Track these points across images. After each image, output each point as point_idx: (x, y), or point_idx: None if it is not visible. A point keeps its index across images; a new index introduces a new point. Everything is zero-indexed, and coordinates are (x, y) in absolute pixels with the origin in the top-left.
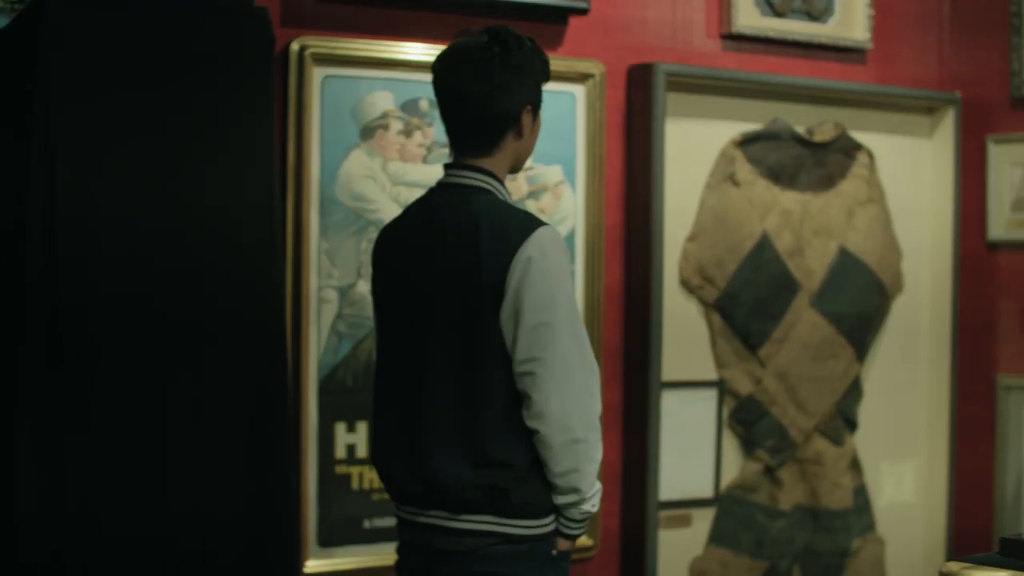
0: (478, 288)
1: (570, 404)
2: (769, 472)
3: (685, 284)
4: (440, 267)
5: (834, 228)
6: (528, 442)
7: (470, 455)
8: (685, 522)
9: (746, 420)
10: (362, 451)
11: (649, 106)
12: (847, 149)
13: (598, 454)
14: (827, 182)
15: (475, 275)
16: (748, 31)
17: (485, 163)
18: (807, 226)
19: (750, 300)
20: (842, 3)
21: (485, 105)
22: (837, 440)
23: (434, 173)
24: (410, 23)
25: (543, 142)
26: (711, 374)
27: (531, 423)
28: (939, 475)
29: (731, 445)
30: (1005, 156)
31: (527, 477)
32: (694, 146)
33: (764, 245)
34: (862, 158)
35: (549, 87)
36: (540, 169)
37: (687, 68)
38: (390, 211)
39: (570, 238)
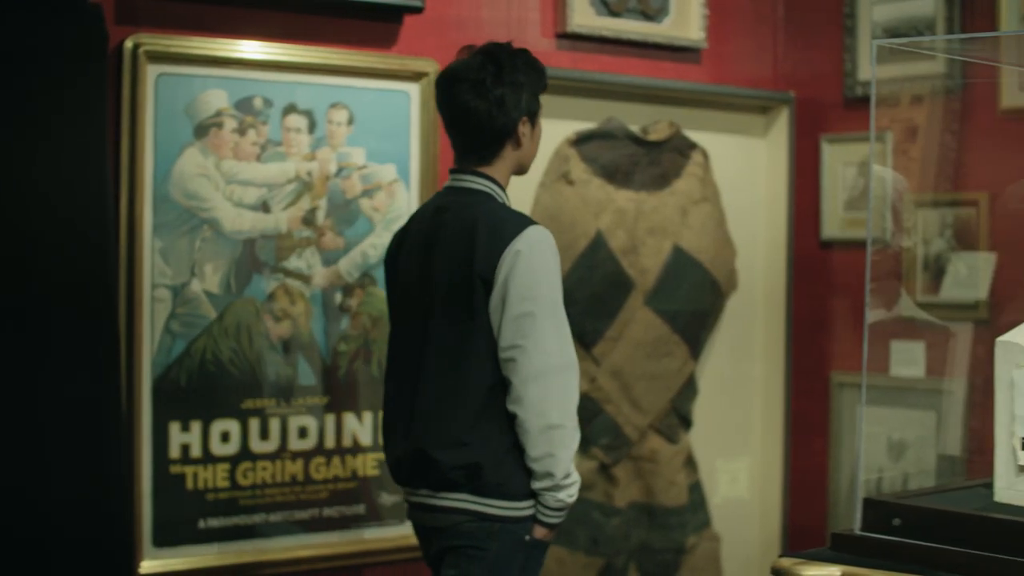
0: (470, 278)
1: (548, 391)
2: (604, 470)
3: None
4: (441, 260)
5: (668, 227)
6: (510, 426)
7: (454, 434)
8: None
9: (581, 418)
10: (197, 451)
11: None
12: (681, 148)
13: (574, 442)
14: (661, 181)
15: (468, 266)
16: (583, 30)
17: (487, 170)
18: (641, 225)
19: (584, 299)
20: (677, 3)
21: (484, 121)
22: (672, 438)
23: (268, 172)
24: (245, 21)
25: (376, 140)
26: None
27: (511, 407)
28: (773, 472)
29: None
30: (838, 156)
31: (504, 459)
32: None
33: (598, 244)
34: (696, 157)
35: (381, 85)
36: (374, 168)
37: None
38: (224, 210)
39: None
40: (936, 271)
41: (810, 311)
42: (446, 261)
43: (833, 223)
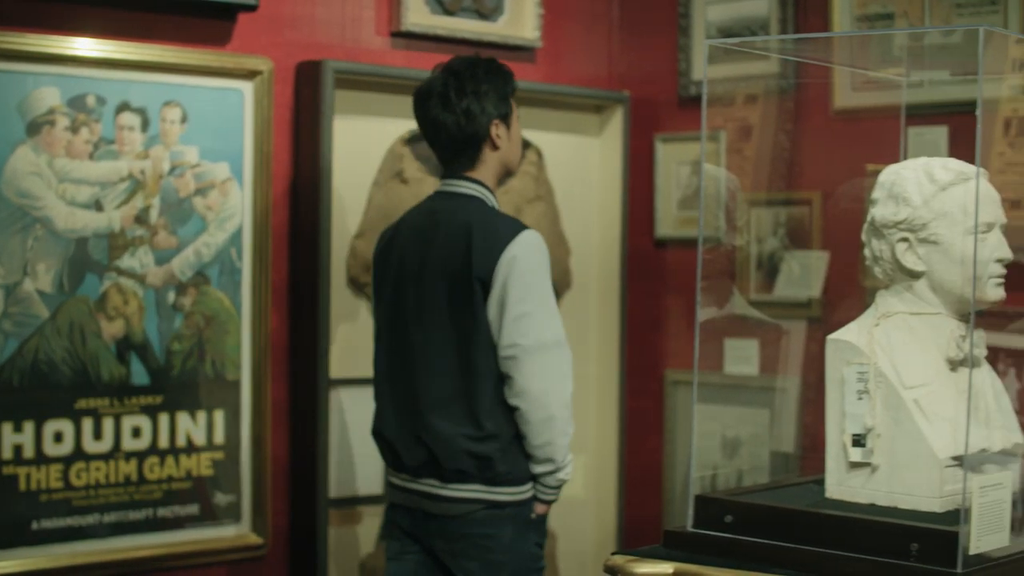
0: (469, 281)
1: (547, 384)
2: None
3: (353, 281)
4: (437, 262)
5: None
6: (510, 417)
7: (467, 427)
8: (355, 519)
9: None
10: (29, 451)
11: (317, 103)
12: None
13: (570, 428)
14: None
15: (467, 269)
16: (417, 29)
17: (474, 174)
18: None
19: None
20: (512, 2)
21: (455, 131)
22: None
23: (101, 170)
24: (78, 18)
25: (210, 138)
26: None
27: (512, 400)
28: (608, 469)
29: None
30: (672, 155)
31: (509, 448)
32: (362, 143)
33: None
34: (531, 156)
35: (215, 83)
36: (207, 166)
37: (356, 65)
38: (56, 208)
39: (237, 236)
40: (769, 269)
41: (644, 309)
42: (443, 263)
43: (667, 222)
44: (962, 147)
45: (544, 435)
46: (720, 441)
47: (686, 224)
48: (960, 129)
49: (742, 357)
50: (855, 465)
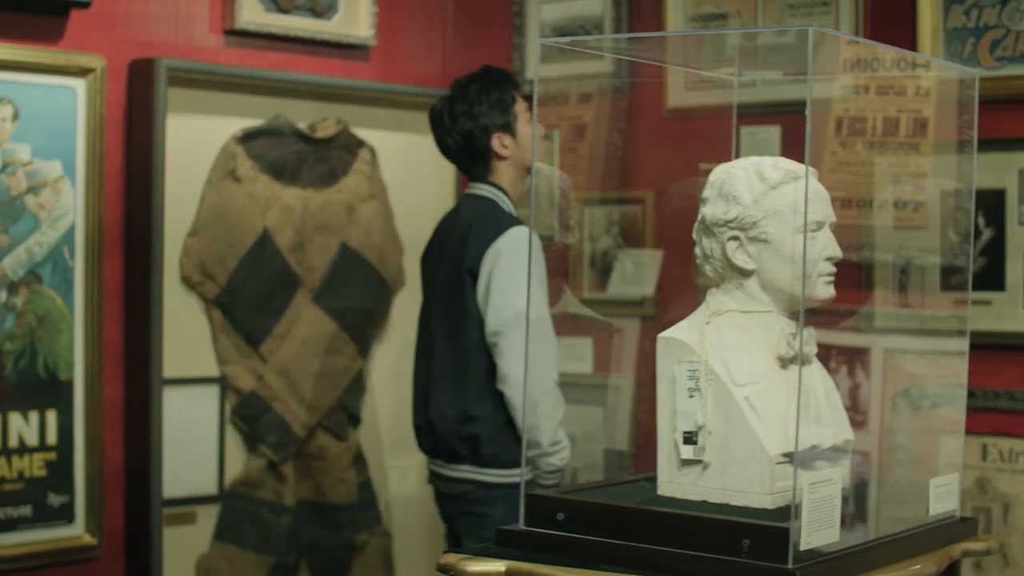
0: (461, 272)
1: (529, 371)
2: (273, 468)
3: (186, 280)
4: (446, 256)
5: (335, 224)
6: (501, 403)
7: (456, 409)
8: (190, 519)
9: (249, 416)
10: None
11: (150, 101)
12: (349, 145)
13: (556, 413)
14: (329, 178)
15: (460, 262)
16: (251, 27)
17: (493, 177)
18: (309, 222)
19: (251, 296)
20: (346, 0)
21: (459, 152)
22: (340, 435)
23: None
24: None
25: (42, 136)
26: (213, 370)
27: (499, 386)
28: None
29: (234, 441)
30: None
31: (499, 432)
32: (196, 142)
33: (265, 241)
34: (364, 154)
35: (47, 81)
36: (39, 164)
37: (189, 63)
38: None
39: (69, 235)
40: (603, 268)
41: None
42: (447, 256)
43: None
44: (794, 146)
45: (528, 419)
46: None
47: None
48: (792, 128)
49: (576, 355)
50: (687, 462)
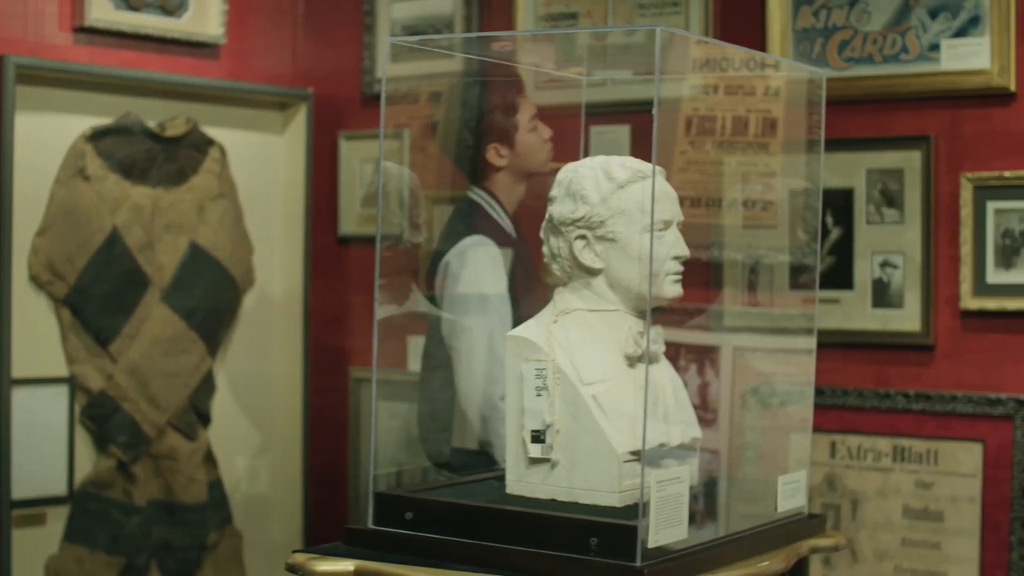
0: (432, 284)
1: (471, 385)
2: (123, 468)
3: (35, 280)
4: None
5: (185, 223)
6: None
7: (427, 424)
8: (39, 520)
9: (98, 416)
10: None
11: None
12: (199, 144)
13: (502, 429)
14: (178, 177)
15: (431, 275)
16: (101, 24)
17: (485, 183)
18: (158, 221)
19: (100, 295)
20: None
21: (457, 164)
22: (190, 435)
23: None
24: None
25: None
26: (62, 370)
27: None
28: (294, 468)
29: (84, 441)
30: (356, 152)
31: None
32: (45, 140)
33: (114, 240)
34: (214, 153)
35: None
36: None
37: (38, 61)
38: None
39: None
40: None
41: (328, 307)
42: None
43: (350, 219)
44: (644, 146)
45: (481, 435)
46: (405, 438)
47: (369, 222)
48: (642, 128)
49: None
50: (535, 461)
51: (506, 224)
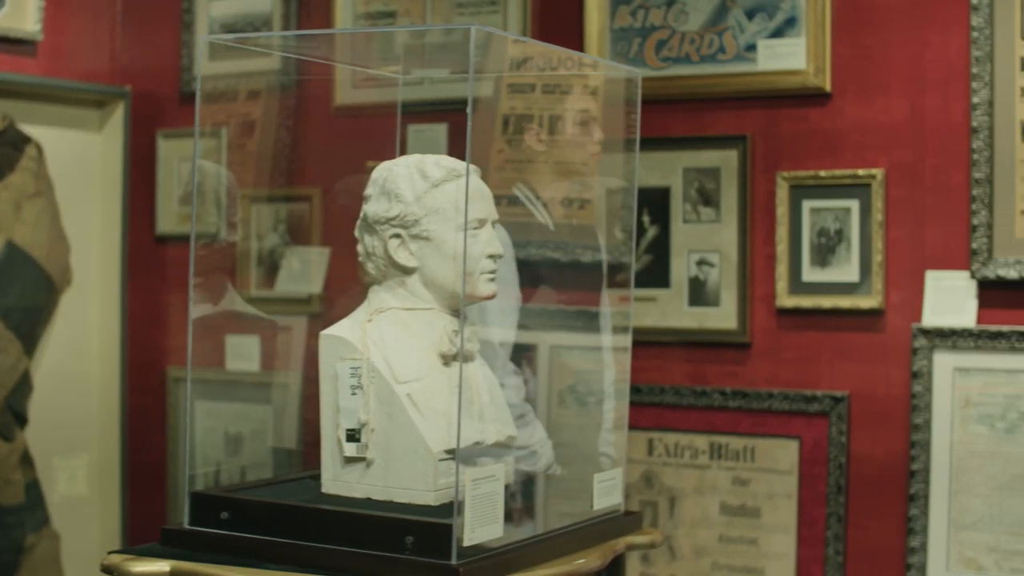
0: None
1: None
2: None
3: None
4: None
5: (1, 221)
6: None
7: None
8: None
9: None
10: None
11: None
12: (16, 142)
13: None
14: None
15: None
16: None
17: None
18: None
19: None
20: None
21: None
22: (7, 435)
23: None
24: None
25: None
26: None
27: None
28: (112, 468)
29: None
30: (174, 151)
31: None
32: None
33: None
34: (31, 151)
35: None
36: None
37: None
38: None
39: None
40: (270, 266)
41: (146, 306)
42: None
43: (168, 218)
44: (461, 144)
45: None
46: (223, 438)
47: (187, 220)
48: (459, 126)
49: (243, 354)
50: (350, 460)
51: None
